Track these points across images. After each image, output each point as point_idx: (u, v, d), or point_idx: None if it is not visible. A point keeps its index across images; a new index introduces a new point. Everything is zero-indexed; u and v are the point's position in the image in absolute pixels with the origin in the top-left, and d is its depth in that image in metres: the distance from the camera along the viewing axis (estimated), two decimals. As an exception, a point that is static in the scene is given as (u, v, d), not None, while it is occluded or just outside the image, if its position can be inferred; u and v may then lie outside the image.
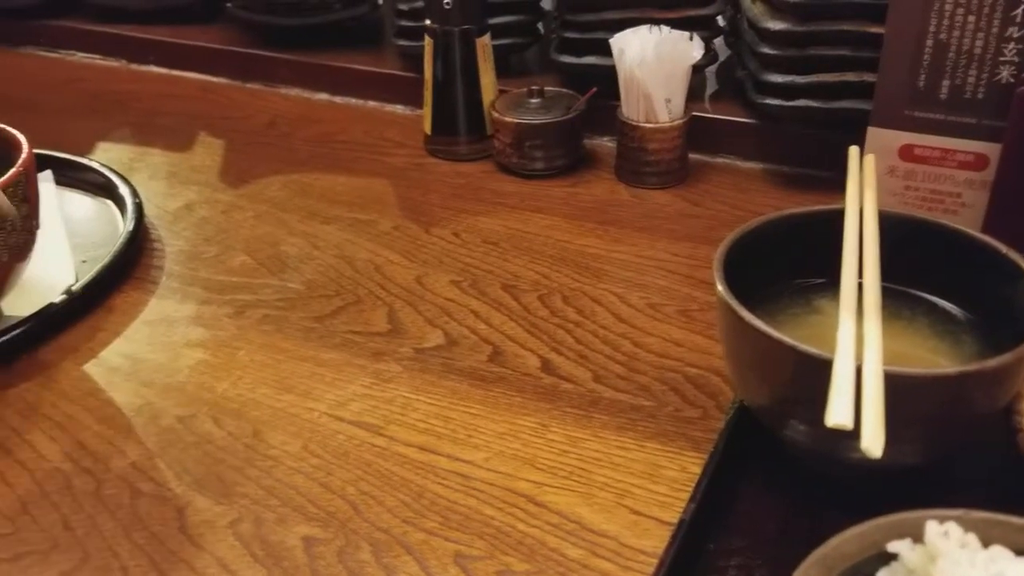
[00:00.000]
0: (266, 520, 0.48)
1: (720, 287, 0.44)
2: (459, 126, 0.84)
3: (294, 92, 1.02)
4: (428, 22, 0.81)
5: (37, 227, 0.63)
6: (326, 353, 0.60)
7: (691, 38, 0.76)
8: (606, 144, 0.86)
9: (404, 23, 0.91)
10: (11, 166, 0.59)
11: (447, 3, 0.79)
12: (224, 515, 0.48)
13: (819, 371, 0.39)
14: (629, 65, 0.75)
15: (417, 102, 0.95)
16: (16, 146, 0.62)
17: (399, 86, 0.96)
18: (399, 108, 0.97)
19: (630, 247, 0.70)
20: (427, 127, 0.86)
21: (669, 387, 0.56)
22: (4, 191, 0.57)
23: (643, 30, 0.76)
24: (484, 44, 0.82)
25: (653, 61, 0.74)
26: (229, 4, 1.03)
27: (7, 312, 0.63)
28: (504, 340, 0.61)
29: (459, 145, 0.85)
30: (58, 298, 0.63)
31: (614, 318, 0.62)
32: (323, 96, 1.00)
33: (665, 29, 0.76)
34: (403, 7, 0.90)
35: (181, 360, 0.60)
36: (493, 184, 0.81)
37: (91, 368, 0.60)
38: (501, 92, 0.85)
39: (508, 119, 0.80)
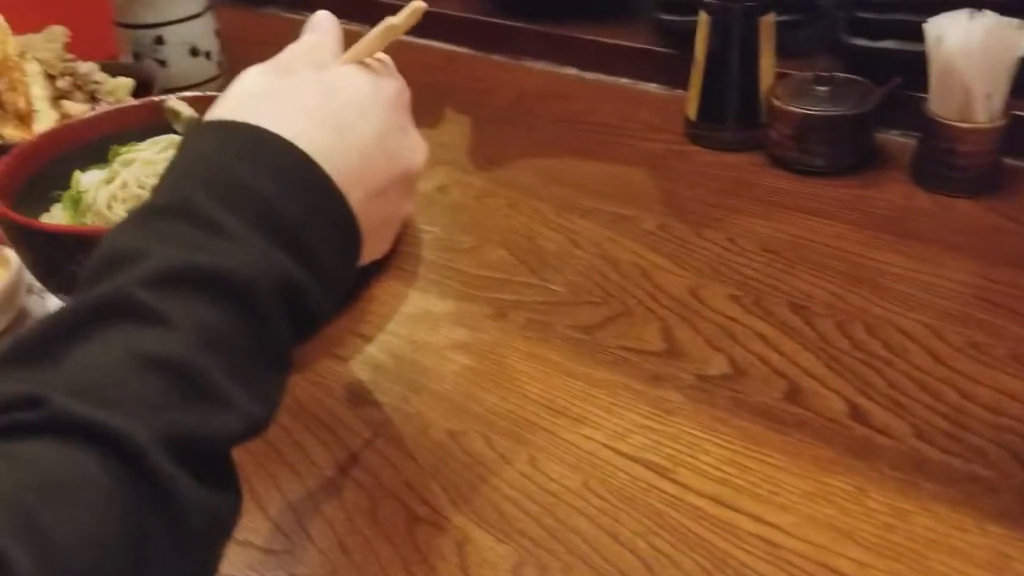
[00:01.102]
0: (552, 568, 0.43)
1: None
2: (729, 112, 0.77)
3: (539, 66, 0.97)
4: (706, -3, 0.74)
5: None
6: (598, 371, 0.55)
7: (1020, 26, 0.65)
8: (895, 139, 0.76)
9: (672, -4, 0.84)
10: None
11: (734, -21, 0.71)
12: (506, 557, 0.44)
13: None
14: (948, 54, 0.65)
15: (673, 81, 0.89)
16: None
17: (653, 63, 0.90)
18: (652, 87, 0.90)
19: (939, 267, 0.61)
20: (691, 111, 0.79)
21: (1009, 453, 0.47)
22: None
23: (963, 15, 0.66)
24: (768, 23, 0.74)
25: (978, 51, 0.64)
26: (480, -30, 0.98)
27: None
28: (800, 375, 0.54)
29: (726, 132, 0.77)
30: (322, 287, 0.61)
31: (931, 358, 0.54)
32: (571, 71, 0.95)
33: (990, 14, 0.65)
34: (674, -21, 0.82)
35: (446, 365, 0.57)
36: (766, 180, 0.73)
37: (357, 365, 0.58)
38: (779, 75, 0.76)
39: (791, 108, 0.72)
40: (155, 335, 0.32)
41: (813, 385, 0.53)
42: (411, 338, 0.59)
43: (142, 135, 0.63)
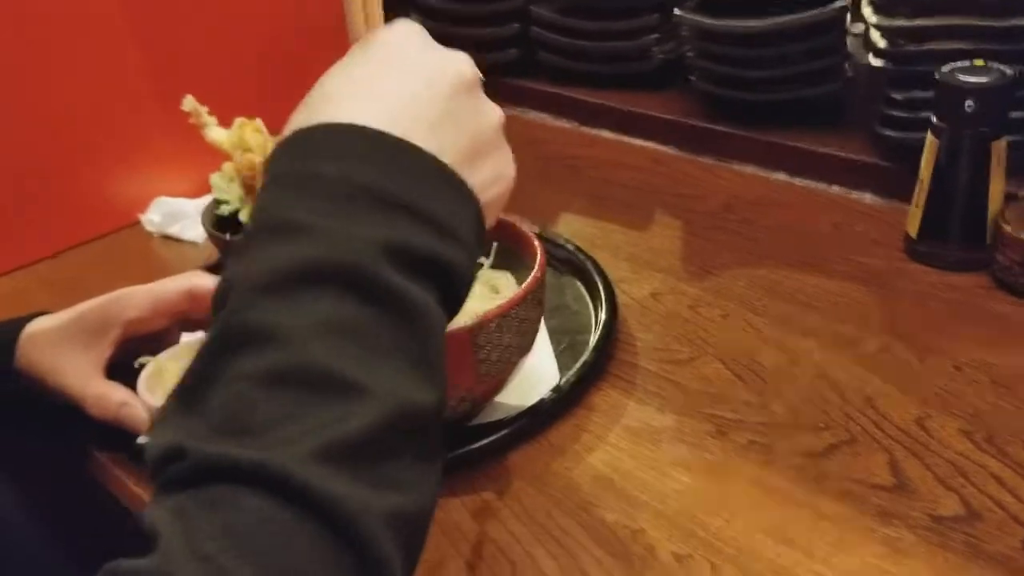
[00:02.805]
0: None
1: None
2: (953, 232, 0.76)
3: (748, 169, 0.98)
4: (935, 120, 0.74)
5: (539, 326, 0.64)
6: (825, 503, 0.55)
7: None
8: None
9: (895, 112, 0.83)
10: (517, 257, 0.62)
11: (969, 105, 0.70)
12: None
13: None
14: None
15: (888, 192, 0.88)
16: (527, 244, 0.64)
17: (869, 173, 0.89)
18: (867, 197, 0.90)
19: None
20: (913, 229, 0.78)
21: None
22: (526, 299, 0.59)
23: None
24: (1000, 148, 0.73)
25: None
26: (692, 78, 1.01)
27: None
28: (1040, 523, 0.52)
29: (950, 252, 0.76)
30: (547, 394, 0.65)
31: None
32: (780, 176, 0.96)
33: None
34: (896, 96, 0.82)
35: (668, 483, 0.58)
36: (992, 305, 0.72)
37: (580, 476, 0.60)
38: (1008, 196, 0.75)
39: (1023, 236, 0.70)
40: (268, 351, 0.33)
41: (1056, 537, 0.51)
42: (632, 453, 0.61)
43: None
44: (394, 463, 0.33)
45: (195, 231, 0.93)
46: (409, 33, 0.43)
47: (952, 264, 0.76)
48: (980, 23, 0.77)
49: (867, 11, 0.84)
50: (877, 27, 0.82)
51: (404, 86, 0.40)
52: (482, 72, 0.44)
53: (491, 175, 0.42)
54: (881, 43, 0.82)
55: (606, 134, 1.11)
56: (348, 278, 0.34)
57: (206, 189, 1.00)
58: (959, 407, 0.62)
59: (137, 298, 0.64)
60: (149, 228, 0.95)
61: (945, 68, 0.73)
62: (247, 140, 0.78)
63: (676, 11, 0.97)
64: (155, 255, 0.94)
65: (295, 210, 0.36)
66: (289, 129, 0.40)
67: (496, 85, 1.28)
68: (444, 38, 0.44)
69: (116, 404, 0.62)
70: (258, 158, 0.77)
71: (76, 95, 0.91)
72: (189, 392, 0.34)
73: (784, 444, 0.60)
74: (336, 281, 0.34)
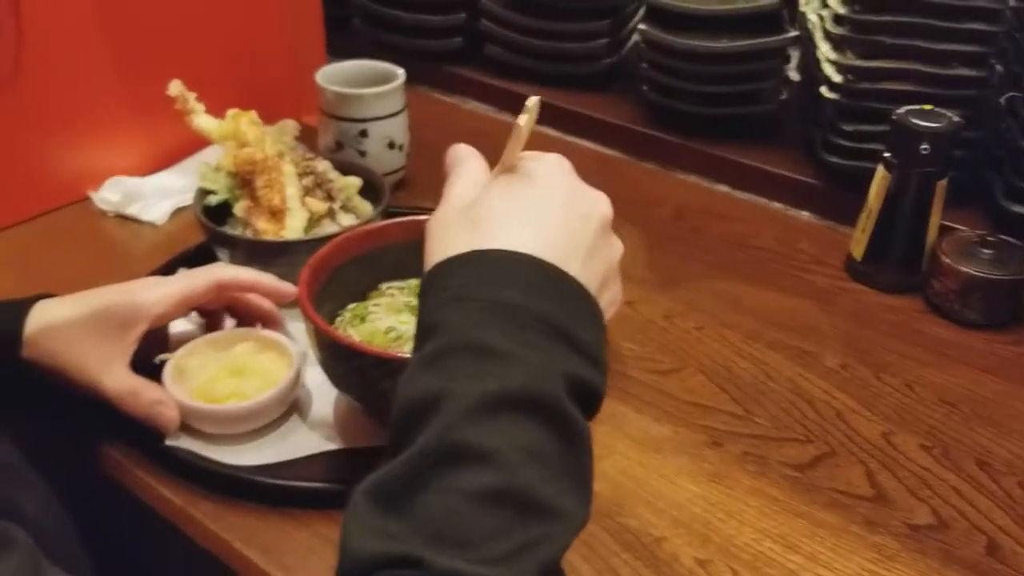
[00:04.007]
0: None
1: None
2: (894, 257, 0.85)
3: (692, 179, 1.04)
4: (888, 155, 0.82)
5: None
6: (819, 512, 0.62)
7: None
8: (1040, 296, 0.84)
9: (841, 142, 0.91)
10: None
11: (924, 148, 0.79)
12: None
13: None
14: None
15: (825, 212, 0.97)
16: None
17: (809, 193, 0.97)
18: (804, 214, 0.98)
19: (1103, 436, 0.69)
20: (858, 252, 0.86)
21: None
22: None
23: None
24: (942, 186, 0.82)
25: None
26: (645, 87, 1.06)
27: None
28: (996, 532, 0.61)
29: (889, 276, 0.85)
30: (557, 403, 0.69)
31: (1114, 529, 0.61)
32: (723, 188, 1.03)
33: None
34: (846, 127, 0.90)
35: (680, 492, 0.64)
36: (929, 327, 0.81)
37: (598, 483, 0.64)
38: (943, 228, 0.84)
39: (960, 268, 0.80)
40: (482, 469, 0.37)
41: (1009, 543, 0.61)
42: (640, 461, 0.66)
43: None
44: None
45: (155, 212, 0.91)
46: (562, 167, 0.49)
47: (889, 286, 0.85)
48: (928, 70, 0.86)
49: (824, 47, 0.91)
50: (834, 63, 0.89)
51: (563, 218, 0.46)
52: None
53: (608, 301, 0.48)
54: (836, 78, 0.90)
55: (550, 132, 1.14)
56: (544, 408, 0.39)
57: (152, 166, 0.98)
58: (915, 424, 0.70)
59: (165, 292, 0.63)
60: (103, 207, 0.91)
61: (901, 111, 0.81)
62: (243, 133, 0.77)
63: (641, 26, 1.01)
64: (109, 234, 0.91)
65: (494, 337, 0.40)
66: (457, 242, 0.44)
67: (439, 73, 1.28)
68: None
69: (149, 401, 0.61)
70: (258, 153, 0.76)
71: (26, 64, 0.85)
72: (395, 496, 0.37)
73: (774, 454, 0.67)
74: (536, 410, 0.39)
